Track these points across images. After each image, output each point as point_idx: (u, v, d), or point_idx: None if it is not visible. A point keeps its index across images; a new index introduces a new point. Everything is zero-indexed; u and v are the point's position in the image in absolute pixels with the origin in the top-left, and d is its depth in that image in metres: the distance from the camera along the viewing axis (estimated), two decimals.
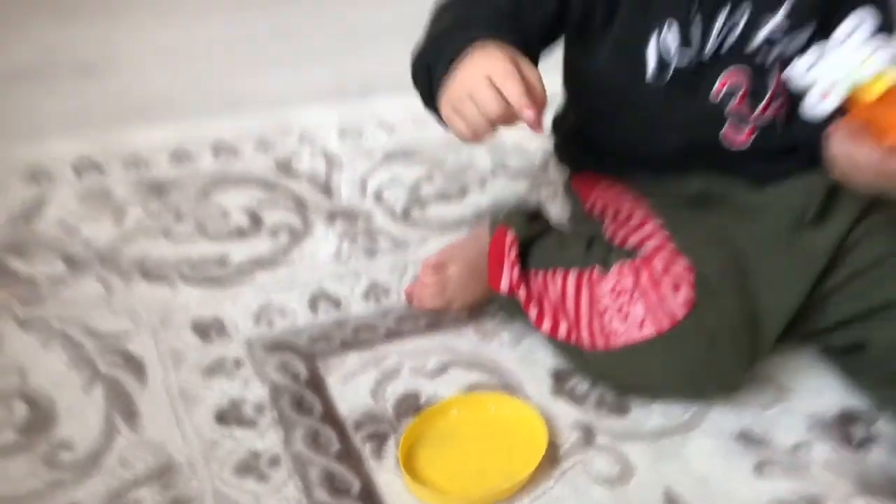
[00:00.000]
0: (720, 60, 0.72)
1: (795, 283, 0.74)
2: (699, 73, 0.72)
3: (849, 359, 0.78)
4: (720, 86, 0.73)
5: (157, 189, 1.01)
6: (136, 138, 1.10)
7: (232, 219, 0.96)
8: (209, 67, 1.33)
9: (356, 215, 0.98)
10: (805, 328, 0.77)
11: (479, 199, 1.02)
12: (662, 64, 0.71)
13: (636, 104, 0.73)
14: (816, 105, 0.62)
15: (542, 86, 0.60)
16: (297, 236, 0.94)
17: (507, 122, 0.60)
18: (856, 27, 0.62)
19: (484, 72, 0.59)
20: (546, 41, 0.72)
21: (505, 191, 1.04)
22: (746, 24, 0.71)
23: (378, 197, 1.01)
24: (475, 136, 0.61)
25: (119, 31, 1.42)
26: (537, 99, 0.59)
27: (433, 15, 0.70)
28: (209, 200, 1.00)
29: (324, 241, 0.94)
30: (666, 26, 0.70)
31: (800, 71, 0.62)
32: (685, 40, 0.71)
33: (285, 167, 1.06)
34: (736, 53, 0.72)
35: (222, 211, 0.98)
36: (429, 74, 0.65)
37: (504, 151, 1.08)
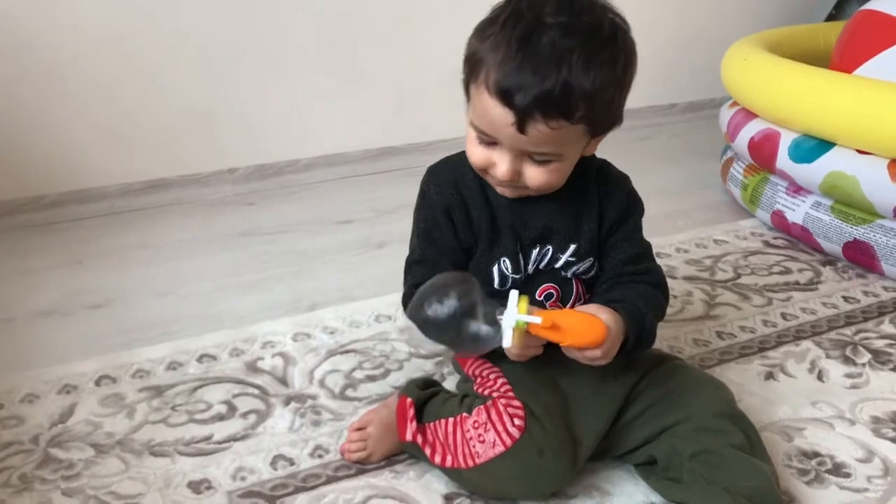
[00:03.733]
0: (540, 275, 0.98)
1: (602, 414, 0.98)
2: (527, 282, 0.98)
3: (647, 470, 1.01)
4: (540, 292, 0.99)
5: (157, 391, 1.18)
6: (138, 356, 1.27)
7: (214, 408, 1.15)
8: (192, 296, 1.51)
9: (306, 398, 1.17)
10: (618, 451, 1.01)
11: (398, 378, 1.21)
12: (503, 279, 0.99)
13: None
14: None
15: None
16: (262, 416, 1.13)
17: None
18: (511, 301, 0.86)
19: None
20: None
21: (418, 371, 1.24)
22: (551, 257, 0.99)
23: (322, 383, 1.20)
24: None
25: (121, 272, 1.60)
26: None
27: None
28: (196, 396, 1.17)
29: (281, 418, 1.12)
30: (503, 260, 0.98)
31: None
32: (515, 268, 0.98)
33: (252, 367, 1.24)
34: (548, 271, 1.00)
35: (206, 403, 1.16)
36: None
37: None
